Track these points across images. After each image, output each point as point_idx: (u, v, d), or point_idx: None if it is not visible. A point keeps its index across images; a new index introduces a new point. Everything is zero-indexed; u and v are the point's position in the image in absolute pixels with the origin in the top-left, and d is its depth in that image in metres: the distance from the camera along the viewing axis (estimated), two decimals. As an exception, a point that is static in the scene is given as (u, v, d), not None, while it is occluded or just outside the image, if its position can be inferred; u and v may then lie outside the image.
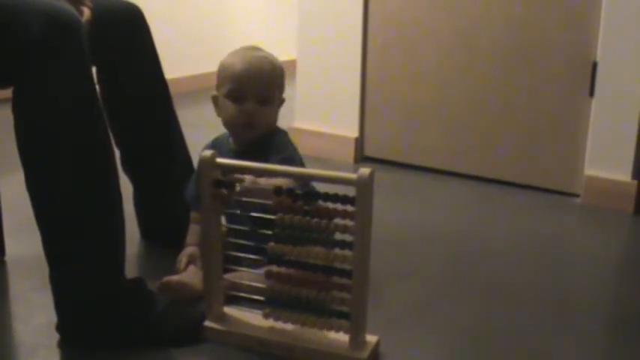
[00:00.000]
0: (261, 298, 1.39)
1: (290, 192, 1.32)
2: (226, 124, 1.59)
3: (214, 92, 1.60)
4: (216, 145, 1.62)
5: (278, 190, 1.31)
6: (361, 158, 2.69)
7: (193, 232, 1.63)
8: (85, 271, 1.35)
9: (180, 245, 1.65)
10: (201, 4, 4.15)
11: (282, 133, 1.62)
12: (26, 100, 1.29)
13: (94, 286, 1.35)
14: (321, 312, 1.35)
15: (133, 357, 1.34)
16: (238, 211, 1.42)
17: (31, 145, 1.31)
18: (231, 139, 1.63)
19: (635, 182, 2.18)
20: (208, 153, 1.34)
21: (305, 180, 1.45)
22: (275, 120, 1.61)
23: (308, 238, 1.34)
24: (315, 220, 1.31)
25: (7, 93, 1.32)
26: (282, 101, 1.62)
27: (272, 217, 1.34)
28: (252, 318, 1.41)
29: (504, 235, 2.02)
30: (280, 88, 1.61)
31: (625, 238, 2.07)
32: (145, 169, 1.81)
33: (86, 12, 1.50)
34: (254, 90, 1.54)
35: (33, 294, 1.56)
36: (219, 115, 1.60)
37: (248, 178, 1.36)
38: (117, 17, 1.68)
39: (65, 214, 1.33)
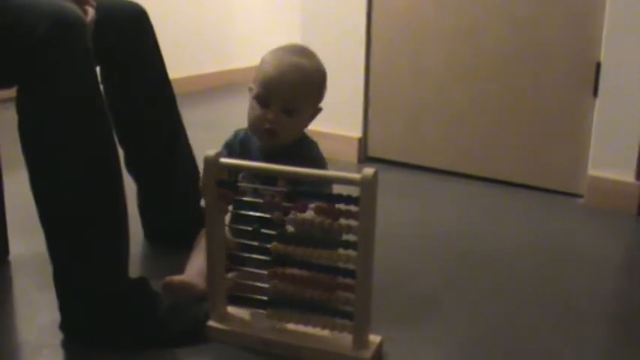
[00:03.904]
0: (265, 298, 1.39)
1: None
2: (249, 125, 1.53)
3: (252, 84, 1.53)
4: (245, 141, 1.58)
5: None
6: (365, 158, 2.69)
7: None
8: (88, 270, 1.35)
9: (184, 245, 1.65)
10: (205, 3, 4.15)
11: (313, 144, 1.57)
12: (30, 99, 1.30)
13: (97, 286, 1.36)
14: (324, 312, 1.35)
15: (137, 356, 1.34)
16: (243, 212, 1.41)
17: (35, 144, 1.31)
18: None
19: (639, 183, 2.18)
20: (212, 153, 1.34)
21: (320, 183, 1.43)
22: (302, 129, 1.55)
23: (311, 238, 1.34)
24: (319, 220, 1.31)
25: (11, 92, 1.32)
26: (317, 110, 1.55)
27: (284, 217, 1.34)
28: (256, 318, 1.41)
29: (508, 236, 2.01)
30: (312, 99, 1.53)
31: (628, 238, 2.07)
32: (148, 169, 1.81)
33: (90, 12, 1.49)
34: (279, 98, 1.47)
35: (37, 293, 1.56)
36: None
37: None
38: (121, 17, 1.68)
39: (69, 213, 1.33)
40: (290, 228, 1.35)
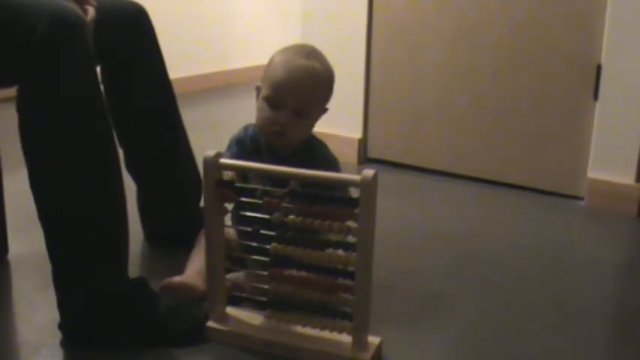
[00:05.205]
0: (264, 298, 1.38)
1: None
2: (259, 125, 1.53)
3: (259, 83, 1.53)
4: (255, 137, 1.56)
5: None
6: (365, 159, 2.69)
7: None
8: (88, 270, 1.35)
9: (183, 245, 1.65)
10: (205, 3, 4.15)
11: (323, 145, 1.58)
12: (31, 99, 1.30)
13: (97, 286, 1.36)
14: (324, 313, 1.35)
15: (136, 357, 1.34)
16: (242, 212, 1.41)
17: (35, 143, 1.31)
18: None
19: (639, 185, 2.18)
20: (212, 153, 1.34)
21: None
22: (311, 129, 1.55)
23: (311, 239, 1.34)
24: (318, 221, 1.30)
25: (11, 92, 1.32)
26: (324, 110, 1.56)
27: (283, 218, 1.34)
28: (255, 319, 1.41)
29: (508, 238, 2.01)
30: (322, 101, 1.54)
31: (628, 240, 2.06)
32: (148, 170, 1.81)
33: (91, 11, 1.49)
34: (290, 101, 1.47)
35: (36, 293, 1.56)
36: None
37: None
38: (122, 17, 1.68)
39: (68, 213, 1.33)
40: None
